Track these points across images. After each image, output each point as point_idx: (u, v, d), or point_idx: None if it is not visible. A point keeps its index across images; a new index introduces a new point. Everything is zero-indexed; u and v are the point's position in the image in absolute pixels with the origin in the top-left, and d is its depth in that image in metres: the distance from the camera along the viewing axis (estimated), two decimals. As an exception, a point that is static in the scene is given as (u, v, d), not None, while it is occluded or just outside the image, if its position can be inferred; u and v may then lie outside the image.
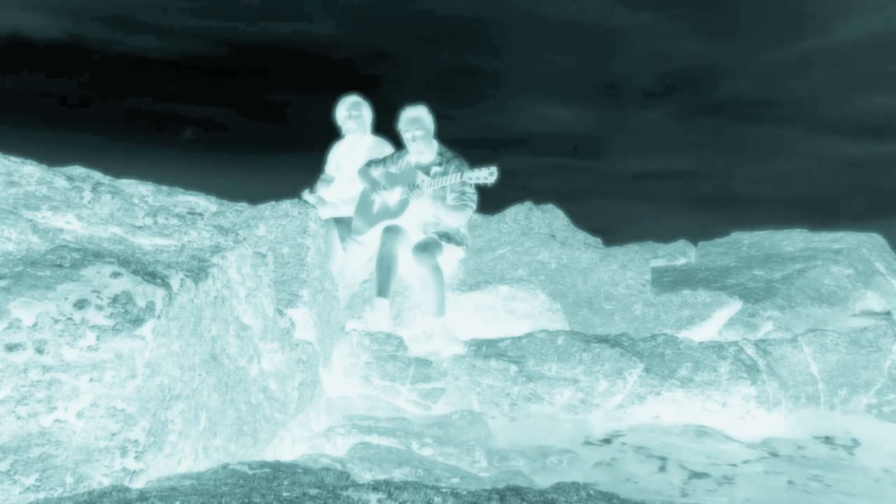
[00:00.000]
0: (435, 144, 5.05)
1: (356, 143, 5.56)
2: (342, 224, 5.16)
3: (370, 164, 5.22)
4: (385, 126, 5.53)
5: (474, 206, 4.99)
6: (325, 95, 5.61)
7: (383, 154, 5.37)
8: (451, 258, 5.01)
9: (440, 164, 4.97)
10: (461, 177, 4.80)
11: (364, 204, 5.15)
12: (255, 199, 4.72)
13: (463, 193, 4.90)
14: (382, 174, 5.12)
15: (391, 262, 4.75)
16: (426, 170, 4.95)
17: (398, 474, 2.76)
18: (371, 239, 5.01)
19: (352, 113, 5.51)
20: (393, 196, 5.01)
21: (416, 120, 4.96)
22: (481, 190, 4.97)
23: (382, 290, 4.69)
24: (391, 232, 4.83)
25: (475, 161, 4.99)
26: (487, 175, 4.78)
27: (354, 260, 5.16)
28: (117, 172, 5.29)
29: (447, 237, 4.90)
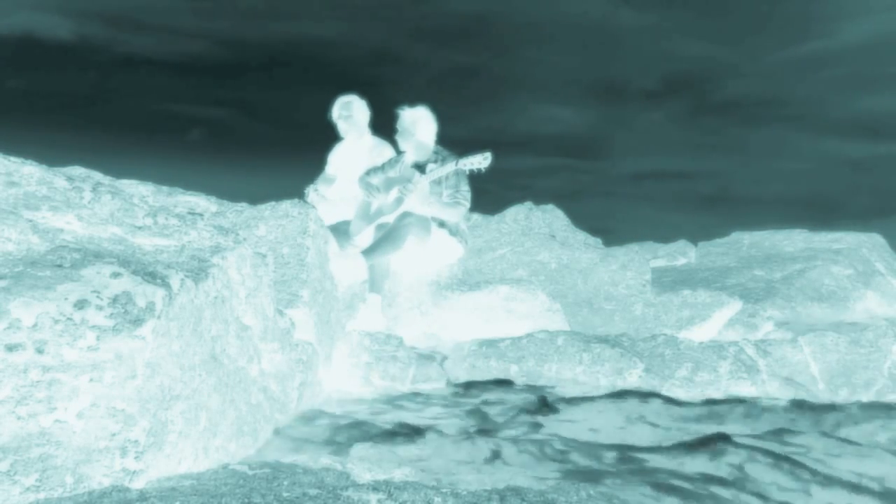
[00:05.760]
0: (431, 145, 5.09)
1: (355, 145, 5.57)
2: (339, 232, 5.17)
3: (369, 172, 5.24)
4: (386, 127, 5.55)
5: (468, 203, 5.04)
6: (328, 96, 5.63)
7: (382, 155, 5.40)
8: (442, 247, 5.03)
9: (436, 162, 5.01)
10: (456, 164, 4.84)
11: (363, 207, 5.19)
12: (255, 199, 4.73)
13: (457, 190, 4.94)
14: (382, 180, 5.16)
15: (386, 259, 4.81)
16: (422, 169, 5.00)
17: (398, 474, 2.75)
18: (366, 238, 5.06)
19: (342, 113, 5.53)
20: (389, 196, 5.05)
21: (400, 123, 5.15)
22: (479, 188, 5.03)
23: (375, 287, 4.74)
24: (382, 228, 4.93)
25: (475, 162, 5.02)
26: (481, 160, 4.84)
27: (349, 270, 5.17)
28: (122, 173, 5.31)
29: (440, 223, 4.94)
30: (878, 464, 2.82)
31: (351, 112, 5.51)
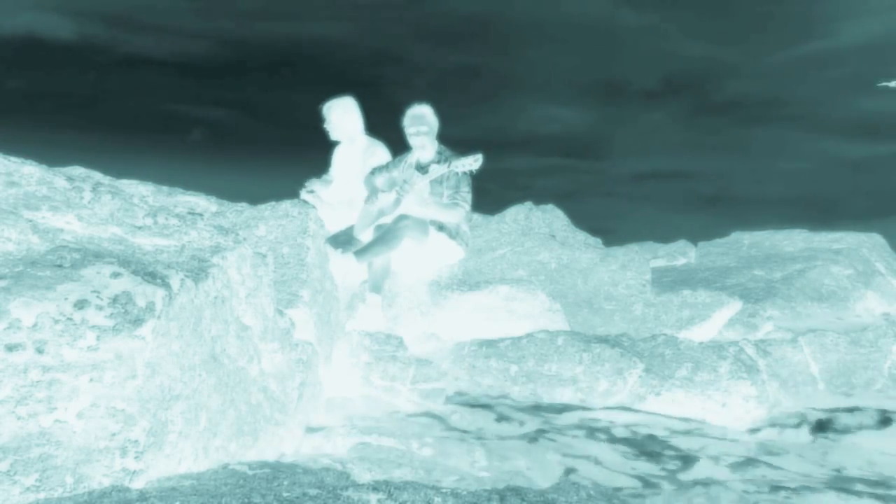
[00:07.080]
0: (436, 144, 5.11)
1: (349, 147, 5.59)
2: (337, 242, 5.16)
3: (374, 171, 5.26)
4: (386, 126, 5.56)
5: (468, 205, 5.05)
6: (329, 96, 5.63)
7: (375, 156, 5.41)
8: (442, 250, 5.04)
9: (438, 163, 5.03)
10: (449, 166, 4.90)
11: (366, 209, 5.21)
12: (255, 199, 4.74)
13: (457, 192, 4.96)
14: (386, 180, 5.19)
15: (385, 259, 4.82)
16: (425, 168, 5.01)
17: (398, 474, 2.76)
18: (367, 239, 5.07)
19: (322, 118, 5.55)
20: (389, 197, 5.07)
21: (419, 117, 5.06)
22: (479, 189, 5.05)
23: (375, 287, 4.75)
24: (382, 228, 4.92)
25: (475, 162, 5.04)
26: (473, 161, 4.95)
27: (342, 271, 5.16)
28: (122, 173, 5.32)
29: (439, 226, 4.95)
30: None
31: (329, 118, 5.51)
